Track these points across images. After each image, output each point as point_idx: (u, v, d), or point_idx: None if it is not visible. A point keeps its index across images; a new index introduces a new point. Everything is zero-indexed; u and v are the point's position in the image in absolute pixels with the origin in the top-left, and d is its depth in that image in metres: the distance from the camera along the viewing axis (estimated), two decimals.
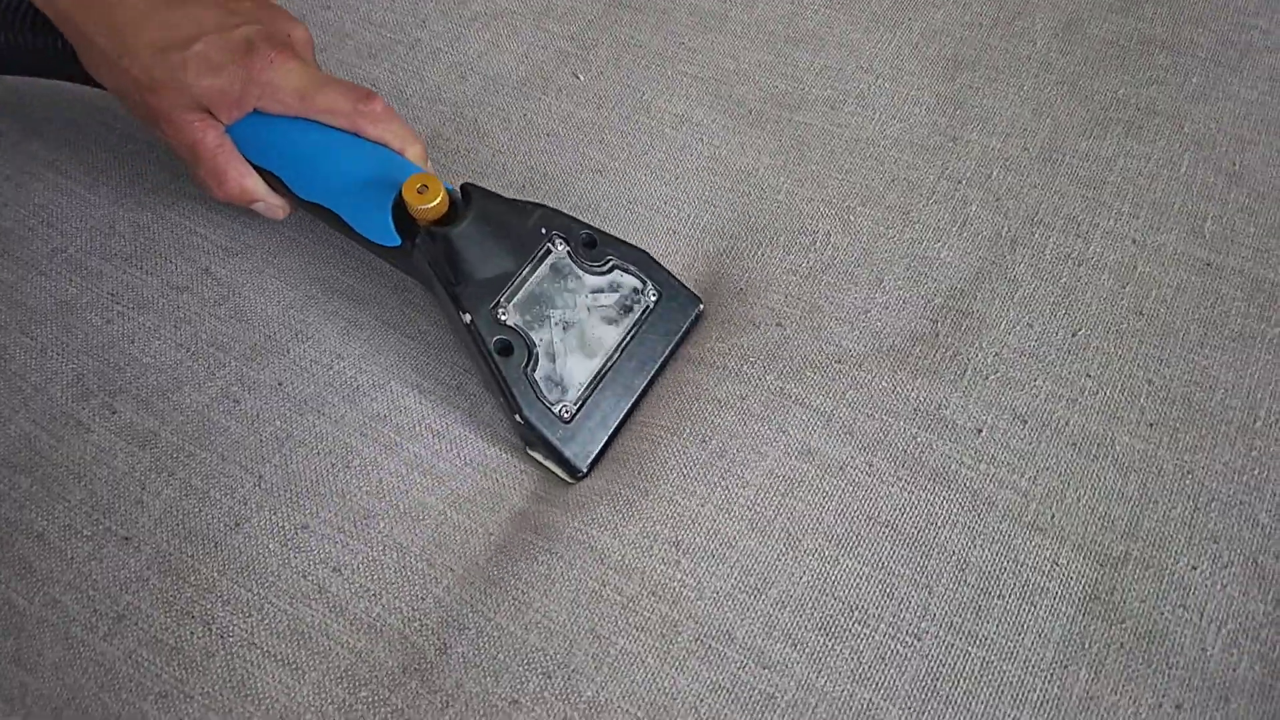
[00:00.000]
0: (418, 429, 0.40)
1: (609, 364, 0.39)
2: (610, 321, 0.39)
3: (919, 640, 0.34)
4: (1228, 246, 0.42)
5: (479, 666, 0.34)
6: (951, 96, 0.48)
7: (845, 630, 0.34)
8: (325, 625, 0.35)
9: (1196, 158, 0.45)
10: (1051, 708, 0.32)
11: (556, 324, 0.38)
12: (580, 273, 0.39)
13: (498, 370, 0.37)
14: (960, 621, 0.34)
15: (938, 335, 0.40)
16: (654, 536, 0.36)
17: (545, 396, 0.37)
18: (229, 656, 0.35)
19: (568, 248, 0.39)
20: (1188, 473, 0.37)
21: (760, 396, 0.39)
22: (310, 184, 0.39)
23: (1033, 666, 0.33)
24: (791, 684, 0.33)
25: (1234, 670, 0.33)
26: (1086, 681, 0.33)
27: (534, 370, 0.37)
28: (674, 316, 0.41)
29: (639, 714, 0.32)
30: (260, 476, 0.38)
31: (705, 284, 0.43)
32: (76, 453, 0.39)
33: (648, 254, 0.41)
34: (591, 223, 0.40)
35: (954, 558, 0.35)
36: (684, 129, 0.48)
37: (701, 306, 0.42)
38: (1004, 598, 0.34)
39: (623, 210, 0.46)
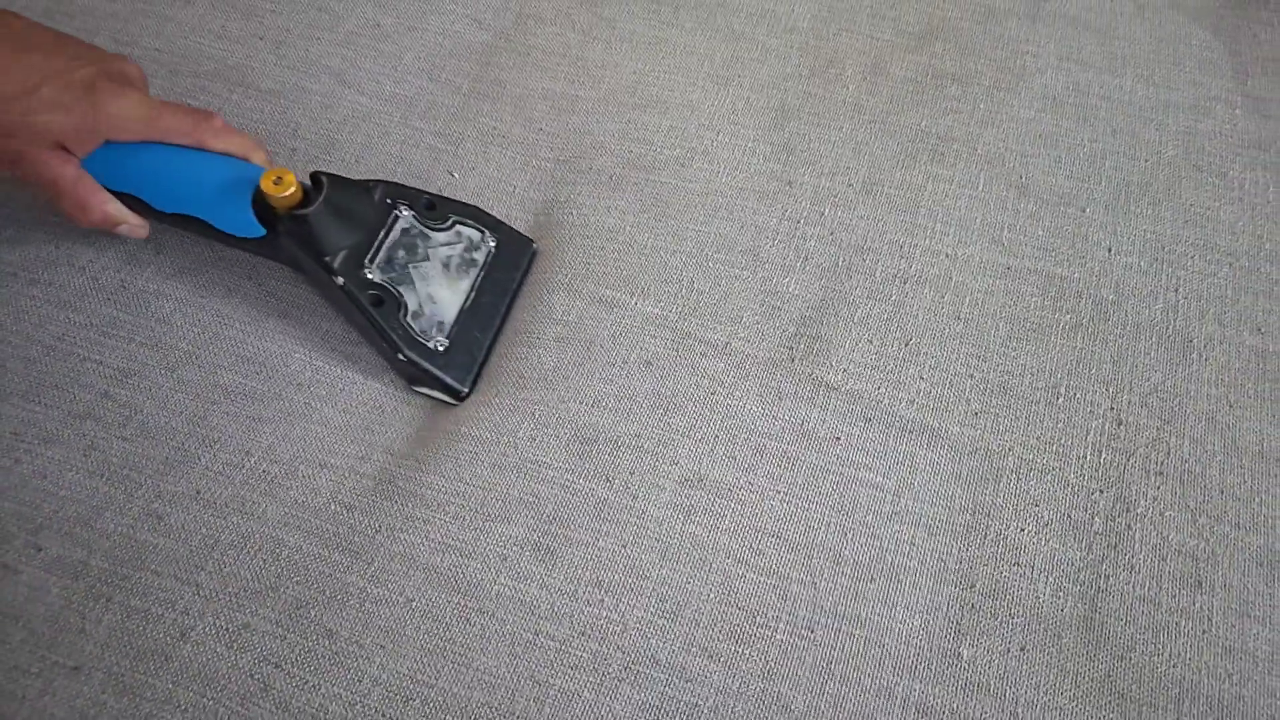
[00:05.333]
0: (331, 507, 0.42)
1: (467, 303, 0.46)
2: (462, 268, 0.46)
3: (812, 632, 0.40)
4: (1022, 250, 0.50)
5: None
6: (783, 144, 0.54)
7: (752, 635, 0.40)
8: None
9: (990, 175, 0.53)
10: (924, 669, 0.39)
11: (417, 277, 0.45)
12: (427, 231, 0.46)
13: (375, 320, 0.43)
14: (843, 609, 0.40)
15: (793, 360, 0.46)
16: (578, 581, 0.41)
17: (419, 337, 0.44)
18: None
19: (412, 213, 0.45)
20: (1009, 450, 0.44)
21: (652, 433, 0.44)
22: (170, 198, 0.44)
23: (905, 637, 0.39)
24: (711, 692, 0.38)
25: (1062, 611, 0.40)
26: (950, 640, 0.39)
27: (405, 316, 0.44)
28: (514, 257, 0.49)
29: None
30: (198, 585, 0.41)
31: (589, 329, 0.48)
32: (9, 595, 0.40)
33: (479, 208, 0.48)
34: None
35: (831, 554, 0.41)
36: (555, 210, 0.52)
37: (535, 246, 0.50)
38: (875, 581, 0.41)
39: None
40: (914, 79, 0.57)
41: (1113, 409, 0.45)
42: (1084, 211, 0.51)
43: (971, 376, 0.46)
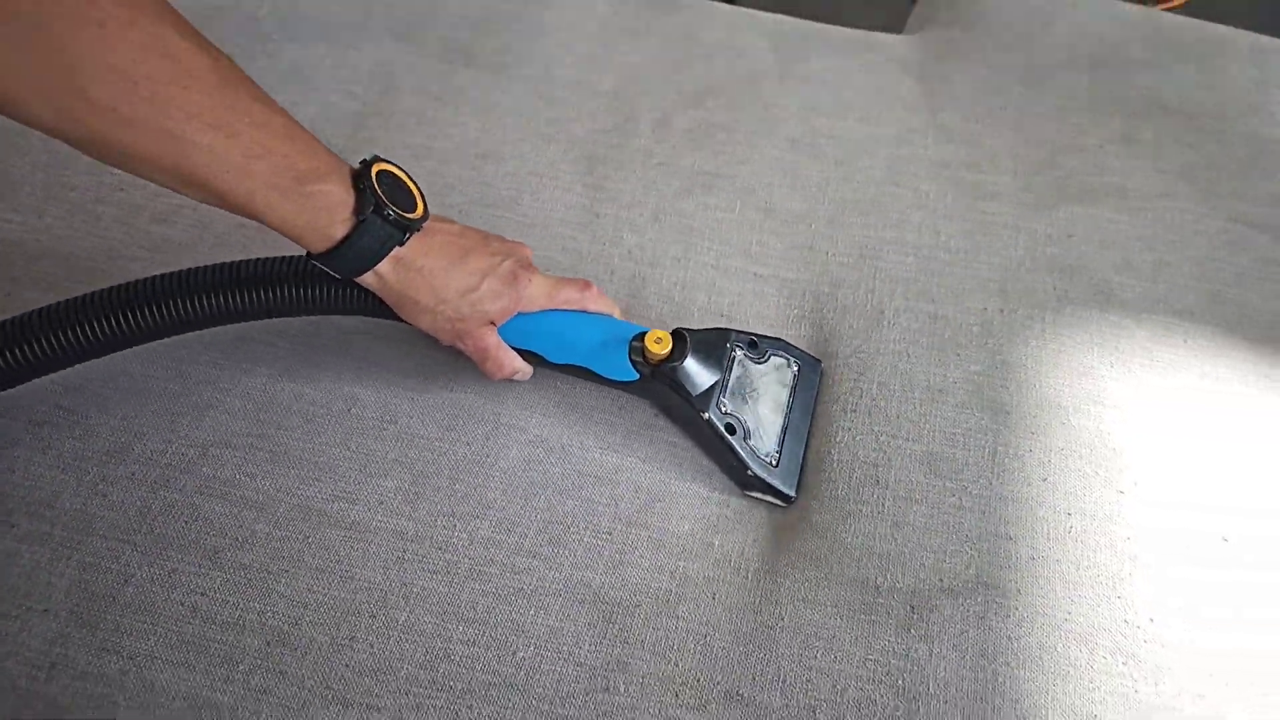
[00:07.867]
0: (237, 476, 0.55)
1: (787, 420, 0.58)
2: (779, 392, 0.59)
3: (610, 535, 0.56)
4: (766, 259, 0.68)
5: (320, 623, 0.51)
6: (594, 184, 0.71)
7: (566, 540, 0.55)
8: (202, 632, 0.51)
9: (746, 203, 0.71)
10: (688, 552, 0.55)
11: (751, 403, 0.57)
12: (754, 365, 0.58)
13: (730, 446, 0.55)
14: (633, 518, 0.56)
15: None
16: (437, 513, 0.56)
17: (760, 454, 0.56)
18: (139, 671, 0.49)
19: (743, 351, 0.58)
20: None
21: (510, 410, 0.60)
22: (563, 352, 0.57)
23: (676, 535, 0.56)
24: (535, 579, 0.54)
25: (786, 513, 0.58)
26: (707, 535, 0.56)
27: (748, 439, 0.56)
28: (811, 377, 0.61)
29: (438, 620, 0.52)
30: (134, 544, 0.53)
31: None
32: None
33: (785, 340, 0.61)
34: None
35: (631, 486, 0.57)
36: None
37: (823, 365, 0.62)
38: (662, 500, 0.57)
39: None
40: (692, 129, 0.75)
41: (825, 371, 0.63)
42: (811, 226, 0.70)
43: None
